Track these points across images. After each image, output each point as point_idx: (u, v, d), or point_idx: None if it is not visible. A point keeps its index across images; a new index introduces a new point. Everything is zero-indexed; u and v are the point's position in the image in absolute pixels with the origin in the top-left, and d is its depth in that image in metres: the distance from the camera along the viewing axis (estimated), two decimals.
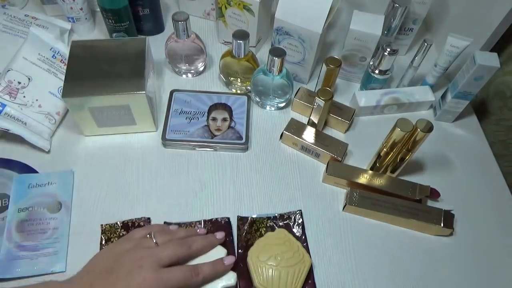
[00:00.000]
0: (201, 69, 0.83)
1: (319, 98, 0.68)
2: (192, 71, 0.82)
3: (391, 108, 0.79)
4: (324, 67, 0.74)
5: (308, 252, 0.61)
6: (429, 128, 0.59)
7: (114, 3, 0.74)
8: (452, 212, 0.65)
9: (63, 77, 0.66)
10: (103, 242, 0.60)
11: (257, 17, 0.78)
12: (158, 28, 0.89)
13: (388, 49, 0.71)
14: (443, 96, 0.79)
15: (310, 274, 0.58)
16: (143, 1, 0.81)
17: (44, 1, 0.85)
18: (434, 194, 0.68)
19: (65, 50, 0.75)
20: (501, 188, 0.73)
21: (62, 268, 0.57)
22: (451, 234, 0.65)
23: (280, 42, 0.76)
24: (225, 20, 0.83)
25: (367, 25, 0.73)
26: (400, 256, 0.63)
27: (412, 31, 0.85)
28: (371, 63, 0.77)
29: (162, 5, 0.87)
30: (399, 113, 0.81)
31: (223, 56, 0.76)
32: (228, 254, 0.58)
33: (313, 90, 0.81)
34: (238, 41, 0.69)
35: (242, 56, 0.72)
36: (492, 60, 0.66)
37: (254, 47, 0.85)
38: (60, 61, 0.74)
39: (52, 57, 0.73)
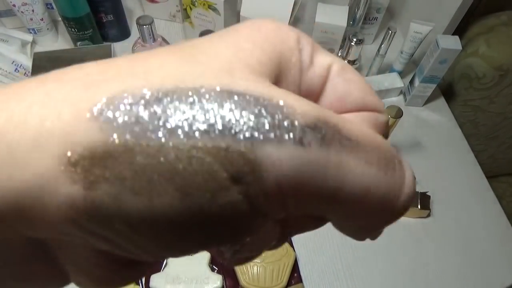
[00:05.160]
0: None
1: None
2: None
3: None
4: None
5: (292, 245, 0.61)
6: (399, 114, 0.60)
7: (75, 12, 0.73)
8: (427, 193, 0.66)
9: None
10: None
11: (223, 16, 0.78)
12: (123, 33, 0.87)
13: (355, 39, 0.73)
14: (411, 82, 0.81)
15: (295, 267, 0.59)
16: (105, 7, 0.79)
17: (2, 14, 0.82)
18: None
19: (28, 62, 0.73)
20: (473, 167, 0.75)
21: None
22: (428, 216, 0.67)
23: None
24: (192, 21, 0.82)
25: (332, 17, 0.74)
26: (382, 241, 0.64)
27: (376, 20, 0.86)
28: (339, 54, 0.78)
29: (126, 10, 0.85)
30: None
31: None
32: (212, 255, 0.57)
33: None
34: None
35: None
36: (454, 43, 0.68)
37: None
38: (24, 75, 0.72)
39: (15, 70, 0.71)
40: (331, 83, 0.14)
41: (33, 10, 0.76)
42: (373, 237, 0.15)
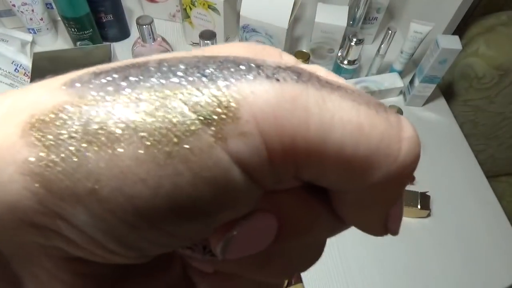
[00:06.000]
0: None
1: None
2: None
3: None
4: None
5: None
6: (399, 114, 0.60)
7: (75, 11, 0.73)
8: (427, 193, 0.66)
9: None
10: None
11: (222, 16, 0.78)
12: (123, 33, 0.87)
13: (355, 39, 0.72)
14: (411, 82, 0.81)
15: None
16: (105, 7, 0.79)
17: (2, 14, 0.82)
18: None
19: (27, 62, 0.73)
20: (472, 166, 0.75)
21: None
22: (428, 215, 0.67)
23: (248, 40, 0.76)
24: (191, 21, 0.82)
25: (332, 17, 0.74)
26: (382, 242, 0.64)
27: (376, 20, 0.86)
28: (339, 54, 0.78)
29: (126, 10, 0.85)
30: None
31: None
32: None
33: None
34: (206, 42, 0.69)
35: None
36: (454, 43, 0.68)
37: None
38: (23, 74, 0.72)
39: (15, 70, 0.71)
40: None
41: (32, 10, 0.76)
42: (392, 225, 0.13)
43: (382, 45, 0.77)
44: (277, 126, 0.09)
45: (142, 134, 0.09)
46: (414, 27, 0.74)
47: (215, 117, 0.09)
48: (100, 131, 0.09)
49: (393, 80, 0.81)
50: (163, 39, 0.75)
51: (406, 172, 0.11)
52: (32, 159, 0.09)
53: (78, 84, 0.10)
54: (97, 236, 0.10)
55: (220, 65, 0.10)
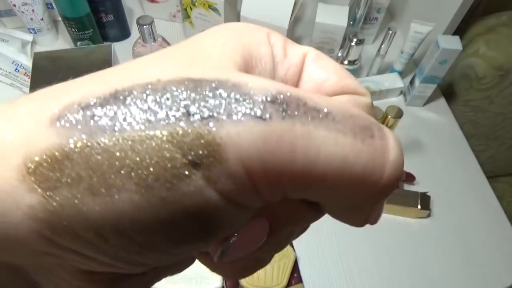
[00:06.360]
0: None
1: None
2: None
3: None
4: None
5: (292, 245, 0.61)
6: (399, 114, 0.60)
7: (75, 11, 0.73)
8: (428, 194, 0.66)
9: (27, 91, 0.64)
10: None
11: (223, 16, 0.78)
12: (124, 33, 0.87)
13: (355, 39, 0.72)
14: (412, 82, 0.81)
15: (295, 268, 0.59)
16: (105, 7, 0.79)
17: (2, 14, 0.82)
18: (409, 177, 0.69)
19: (28, 62, 0.73)
20: (473, 167, 0.75)
21: None
22: (428, 216, 0.67)
23: None
24: (192, 21, 0.82)
25: (333, 17, 0.74)
26: (382, 242, 0.64)
27: (377, 20, 0.86)
28: (339, 55, 0.78)
29: (126, 10, 0.85)
30: None
31: None
32: None
33: None
34: None
35: None
36: (454, 43, 0.68)
37: None
38: (24, 74, 0.72)
39: (15, 70, 0.71)
40: (307, 71, 0.14)
41: (33, 10, 0.76)
42: (373, 219, 0.14)
43: (383, 45, 0.77)
44: (263, 164, 0.10)
45: (136, 180, 0.09)
46: (414, 27, 0.74)
47: (204, 160, 0.09)
48: (94, 178, 0.09)
49: (393, 80, 0.81)
50: (164, 39, 0.75)
51: (389, 190, 0.12)
52: (35, 204, 0.09)
53: (66, 124, 0.10)
54: (105, 260, 0.11)
55: (208, 100, 0.10)
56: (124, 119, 0.10)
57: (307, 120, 0.10)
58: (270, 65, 0.13)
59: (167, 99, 0.10)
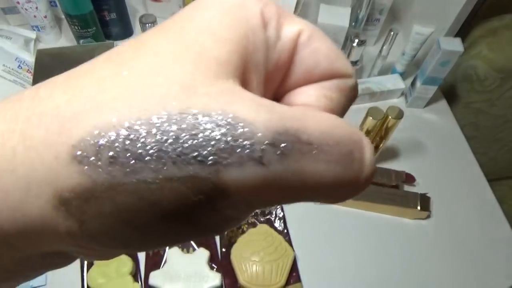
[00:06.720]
0: None
1: None
2: None
3: (363, 98, 0.81)
4: None
5: (291, 245, 0.61)
6: (399, 115, 0.60)
7: (79, 9, 0.73)
8: (427, 195, 0.66)
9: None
10: None
11: None
12: (126, 32, 0.88)
13: (357, 40, 0.73)
14: (413, 83, 0.81)
15: (294, 267, 0.59)
16: (109, 5, 0.79)
17: (6, 11, 0.83)
18: (409, 178, 0.70)
19: (31, 59, 0.73)
20: (473, 169, 0.75)
21: (42, 281, 0.56)
22: (428, 217, 0.67)
23: None
24: None
25: (335, 17, 0.74)
26: (381, 242, 0.64)
27: (379, 21, 0.86)
28: None
29: (129, 9, 0.86)
30: (371, 103, 0.82)
31: None
32: (211, 254, 0.57)
33: None
34: None
35: None
36: (456, 45, 0.68)
37: None
38: (27, 71, 0.72)
39: (18, 67, 0.71)
40: (299, 55, 0.14)
41: (36, 8, 0.76)
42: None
43: (384, 47, 0.77)
44: (261, 199, 0.12)
45: (157, 212, 0.11)
46: (416, 29, 0.74)
47: (213, 197, 0.11)
48: (116, 215, 0.11)
49: (394, 82, 0.81)
50: None
51: (364, 188, 0.14)
52: (69, 227, 0.11)
53: (86, 167, 0.11)
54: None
55: (213, 146, 0.11)
56: (141, 159, 0.11)
57: (300, 157, 0.12)
58: (264, 55, 0.13)
59: (178, 137, 0.11)
